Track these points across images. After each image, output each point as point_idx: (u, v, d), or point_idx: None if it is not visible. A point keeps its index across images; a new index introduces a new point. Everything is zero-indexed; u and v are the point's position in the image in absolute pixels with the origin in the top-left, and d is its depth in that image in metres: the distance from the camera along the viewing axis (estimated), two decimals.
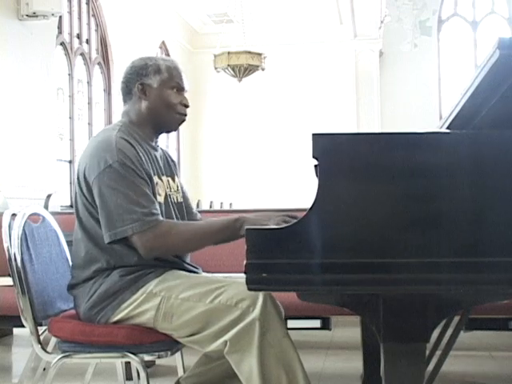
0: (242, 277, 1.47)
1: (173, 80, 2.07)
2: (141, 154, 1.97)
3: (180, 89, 2.09)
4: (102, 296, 1.92)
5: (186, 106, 2.10)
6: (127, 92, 2.09)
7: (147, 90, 2.05)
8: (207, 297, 1.86)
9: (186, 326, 1.87)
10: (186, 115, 2.11)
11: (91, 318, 1.94)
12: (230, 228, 1.88)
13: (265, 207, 3.79)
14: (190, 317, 1.86)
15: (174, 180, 2.14)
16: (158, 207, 1.94)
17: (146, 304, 1.90)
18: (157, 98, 2.05)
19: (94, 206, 1.94)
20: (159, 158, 2.10)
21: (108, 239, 1.88)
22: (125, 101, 2.11)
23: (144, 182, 1.92)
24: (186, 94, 2.12)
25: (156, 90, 2.05)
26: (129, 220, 1.85)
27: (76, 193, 2.01)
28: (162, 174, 2.07)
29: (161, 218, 1.92)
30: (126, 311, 1.91)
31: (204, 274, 2.11)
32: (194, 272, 2.08)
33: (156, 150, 2.11)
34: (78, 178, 1.98)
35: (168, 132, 2.18)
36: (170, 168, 2.16)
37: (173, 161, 2.22)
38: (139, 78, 2.06)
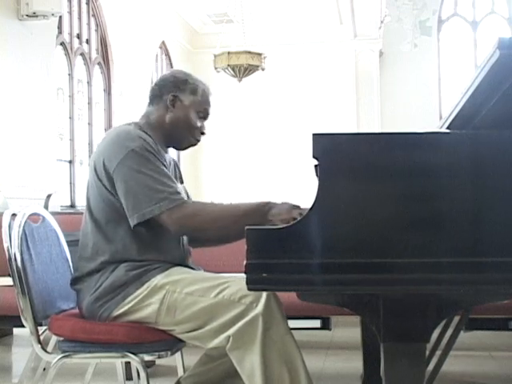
0: (243, 277, 1.47)
1: (203, 106, 2.13)
2: (160, 150, 2.02)
3: (205, 116, 2.15)
4: (107, 289, 1.93)
5: (203, 134, 2.16)
6: (157, 95, 2.12)
7: (177, 103, 2.10)
8: (211, 292, 1.87)
9: (188, 321, 1.88)
10: (198, 141, 2.16)
11: (94, 312, 1.95)
12: (258, 212, 1.87)
13: None
14: (193, 311, 1.87)
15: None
16: (180, 189, 1.99)
17: (150, 298, 1.91)
18: (182, 115, 2.10)
19: (113, 194, 1.95)
20: (169, 162, 2.13)
21: (136, 220, 1.90)
22: (151, 102, 2.14)
23: (164, 166, 1.97)
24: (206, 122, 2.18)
25: (185, 108, 2.10)
26: (156, 199, 1.88)
27: (89, 184, 2.03)
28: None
29: (185, 198, 1.97)
30: (129, 305, 1.92)
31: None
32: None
33: (167, 153, 2.15)
34: (96, 170, 1.99)
35: (175, 148, 2.21)
36: (176, 172, 2.19)
37: (178, 166, 2.25)
38: (175, 89, 2.11)
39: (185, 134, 2.12)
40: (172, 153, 9.87)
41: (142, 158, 1.92)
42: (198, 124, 2.12)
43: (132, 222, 1.91)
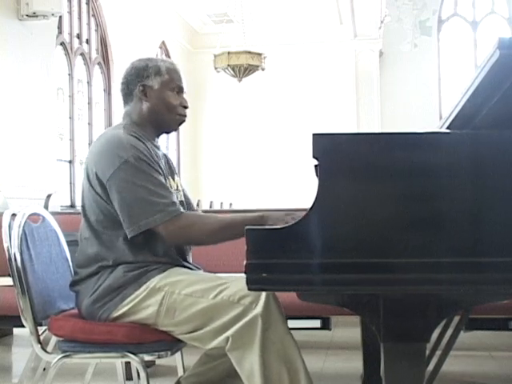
0: (242, 276, 1.47)
1: (173, 82, 2.10)
2: (150, 151, 2.00)
3: (180, 90, 2.12)
4: (105, 291, 1.93)
5: (186, 107, 2.13)
6: (128, 93, 2.11)
7: (148, 91, 2.08)
8: (210, 293, 1.87)
9: (188, 322, 1.88)
10: (185, 116, 2.14)
11: (93, 313, 1.95)
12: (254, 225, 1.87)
13: (265, 207, 3.78)
14: (192, 312, 1.87)
15: (173, 179, 2.15)
16: (175, 197, 1.98)
17: (149, 299, 1.91)
18: (157, 100, 2.08)
19: (108, 204, 1.94)
20: (161, 158, 2.12)
21: (132, 233, 1.90)
22: (126, 102, 2.13)
23: (158, 173, 1.96)
24: (186, 95, 2.15)
25: (157, 92, 2.08)
26: (151, 212, 1.88)
27: (84, 193, 2.02)
28: (165, 174, 2.08)
29: (181, 208, 1.96)
30: (128, 306, 1.92)
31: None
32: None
33: (159, 150, 2.13)
34: (89, 178, 1.98)
35: (168, 132, 2.21)
36: (169, 168, 2.17)
37: (170, 160, 2.24)
38: (140, 79, 2.08)
39: (168, 116, 2.09)
40: (172, 152, 9.76)
41: (136, 169, 1.91)
42: (176, 101, 2.10)
43: (129, 234, 1.91)
